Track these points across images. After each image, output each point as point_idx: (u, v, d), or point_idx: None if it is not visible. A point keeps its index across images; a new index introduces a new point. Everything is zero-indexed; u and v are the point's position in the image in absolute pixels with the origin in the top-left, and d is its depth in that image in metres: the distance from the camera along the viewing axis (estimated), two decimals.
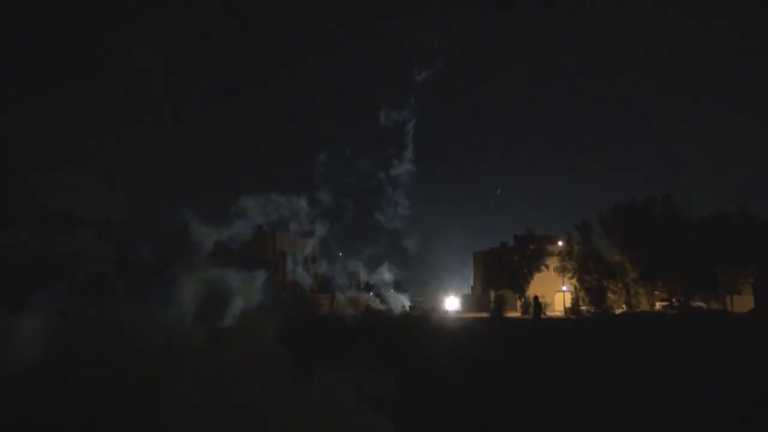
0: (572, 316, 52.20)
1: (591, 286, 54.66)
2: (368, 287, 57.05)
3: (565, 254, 57.42)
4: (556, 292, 60.84)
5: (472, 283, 73.80)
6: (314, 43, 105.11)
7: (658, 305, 56.39)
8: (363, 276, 60.27)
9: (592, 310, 52.64)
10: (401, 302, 54.16)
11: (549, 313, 56.98)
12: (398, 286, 57.61)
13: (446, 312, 53.92)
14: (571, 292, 56.92)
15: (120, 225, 32.13)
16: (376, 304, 52.76)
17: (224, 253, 40.38)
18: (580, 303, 55.49)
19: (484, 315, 57.05)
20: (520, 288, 59.03)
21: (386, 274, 58.84)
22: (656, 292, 56.86)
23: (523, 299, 58.75)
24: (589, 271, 55.33)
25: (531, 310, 57.12)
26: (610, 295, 54.92)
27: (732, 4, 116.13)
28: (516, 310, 60.10)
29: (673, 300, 53.96)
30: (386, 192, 56.72)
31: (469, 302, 67.15)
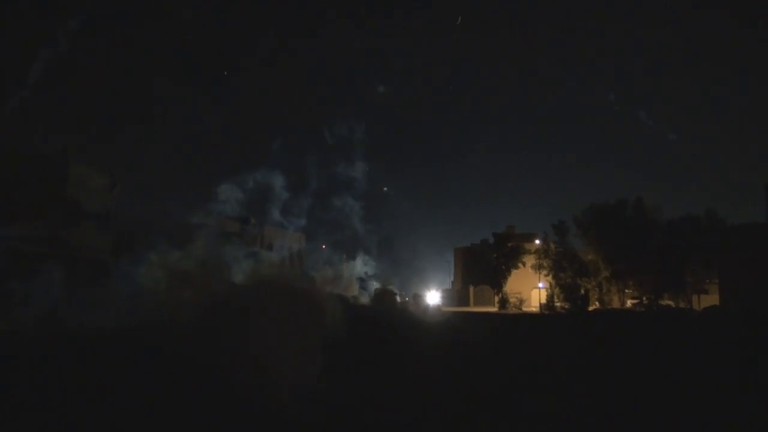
0: (546, 312, 54.60)
1: (565, 284, 56.95)
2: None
3: (542, 252, 59.75)
4: (533, 289, 63.26)
5: (452, 278, 76.15)
6: (302, 35, 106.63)
7: (629, 303, 58.97)
8: (346, 268, 62.26)
9: (566, 307, 54.96)
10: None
11: (524, 309, 59.42)
12: (380, 279, 59.87)
13: (427, 306, 56.06)
14: (547, 289, 59.24)
15: (118, 216, 33.76)
16: (354, 292, 55.07)
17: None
18: (555, 299, 57.75)
19: (466, 309, 59.38)
20: (498, 284, 61.35)
21: (362, 265, 61.23)
22: (627, 291, 59.42)
23: (500, 294, 61.03)
24: (563, 269, 57.68)
25: (507, 305, 59.70)
26: (583, 292, 57.22)
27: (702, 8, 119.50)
28: (493, 305, 62.45)
29: (643, 298, 56.50)
30: (371, 187, 58.86)
31: (449, 297, 69.41)
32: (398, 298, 55.88)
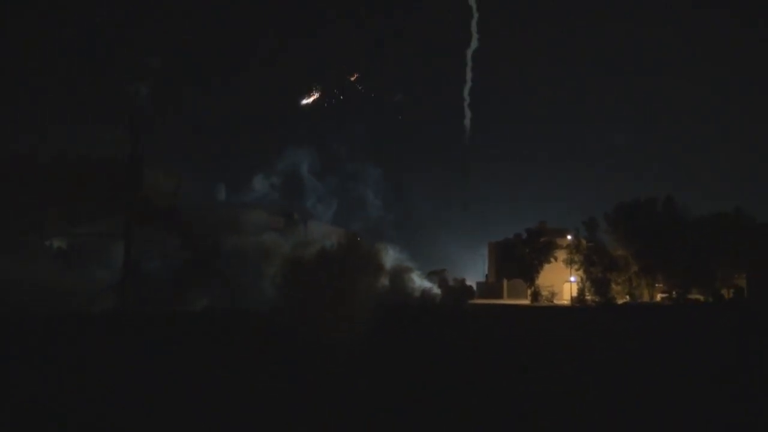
0: (577, 305, 56.76)
1: (596, 278, 58.90)
2: None
3: (573, 248, 61.69)
4: (564, 283, 65.25)
5: (486, 272, 78.58)
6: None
7: (658, 297, 60.80)
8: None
9: (596, 300, 57.02)
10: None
11: (556, 302, 61.58)
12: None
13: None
14: (578, 283, 61.22)
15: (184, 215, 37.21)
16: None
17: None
18: (586, 293, 59.75)
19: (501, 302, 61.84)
20: (531, 278, 63.47)
21: (394, 255, 63.69)
22: (657, 285, 61.17)
23: (532, 288, 63.19)
24: (594, 263, 59.59)
25: (540, 298, 61.93)
26: (613, 286, 59.14)
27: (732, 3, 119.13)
28: (526, 297, 64.69)
29: (672, 292, 58.33)
30: (413, 185, 61.80)
31: (483, 289, 71.83)
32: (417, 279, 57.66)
